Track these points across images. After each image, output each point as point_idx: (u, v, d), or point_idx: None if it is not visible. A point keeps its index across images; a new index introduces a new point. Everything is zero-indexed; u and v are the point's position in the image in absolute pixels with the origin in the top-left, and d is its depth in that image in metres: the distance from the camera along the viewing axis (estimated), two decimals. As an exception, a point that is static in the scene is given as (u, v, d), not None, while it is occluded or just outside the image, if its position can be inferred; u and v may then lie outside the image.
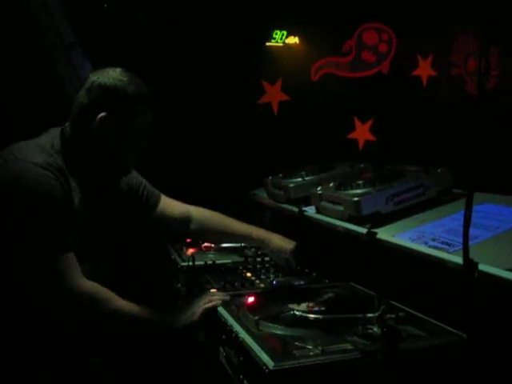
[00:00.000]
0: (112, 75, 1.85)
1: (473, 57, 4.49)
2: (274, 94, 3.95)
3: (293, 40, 3.98)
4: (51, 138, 1.90)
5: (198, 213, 2.39)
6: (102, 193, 2.00)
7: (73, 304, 1.73)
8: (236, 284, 2.22)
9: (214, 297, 1.99)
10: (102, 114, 1.82)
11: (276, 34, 3.94)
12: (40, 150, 1.82)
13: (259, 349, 1.58)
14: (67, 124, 1.91)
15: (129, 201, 2.20)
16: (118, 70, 1.87)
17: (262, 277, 2.34)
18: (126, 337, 1.85)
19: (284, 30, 3.94)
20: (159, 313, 1.90)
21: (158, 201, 2.30)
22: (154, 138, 1.97)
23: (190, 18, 3.52)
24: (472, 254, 1.57)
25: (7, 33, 3.23)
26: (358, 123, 4.18)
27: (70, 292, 1.73)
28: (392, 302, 1.87)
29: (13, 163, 1.76)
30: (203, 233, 2.42)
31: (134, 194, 2.22)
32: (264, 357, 1.52)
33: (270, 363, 1.48)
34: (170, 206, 2.35)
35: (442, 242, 1.81)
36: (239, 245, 2.73)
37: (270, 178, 3.01)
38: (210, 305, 1.94)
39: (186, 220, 2.37)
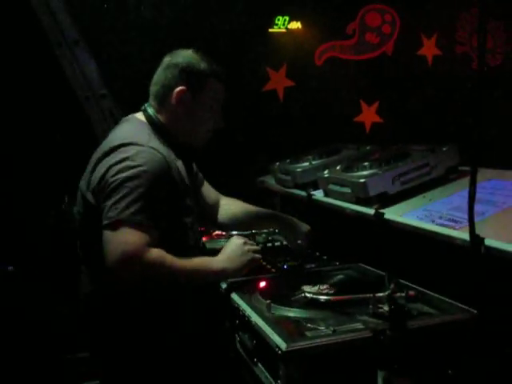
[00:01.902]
0: (185, 54, 2.02)
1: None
2: (278, 81, 3.94)
3: (295, 25, 3.96)
4: (141, 123, 2.00)
5: (225, 200, 2.42)
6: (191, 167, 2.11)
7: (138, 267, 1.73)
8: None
9: (252, 246, 2.04)
10: (179, 88, 1.97)
11: (278, 19, 3.93)
12: (144, 135, 1.91)
13: (271, 331, 1.61)
14: (146, 105, 2.04)
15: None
16: (190, 50, 2.04)
17: (273, 262, 2.36)
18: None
19: (286, 15, 3.93)
20: (216, 261, 1.94)
21: (202, 182, 2.36)
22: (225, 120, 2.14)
23: (190, 8, 3.54)
24: (479, 230, 1.59)
25: (11, 32, 3.26)
26: (364, 106, 4.17)
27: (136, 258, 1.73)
28: (402, 280, 1.89)
29: (124, 148, 1.83)
30: (230, 219, 2.41)
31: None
32: (276, 339, 1.55)
33: (283, 345, 1.51)
34: (209, 191, 2.38)
35: (449, 220, 1.82)
36: (250, 232, 2.75)
37: (278, 163, 3.02)
38: (257, 256, 2.02)
39: (216, 207, 2.39)
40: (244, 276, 2.04)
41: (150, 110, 2.01)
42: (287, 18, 3.93)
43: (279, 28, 3.94)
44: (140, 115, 2.04)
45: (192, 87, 1.98)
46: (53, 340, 2.99)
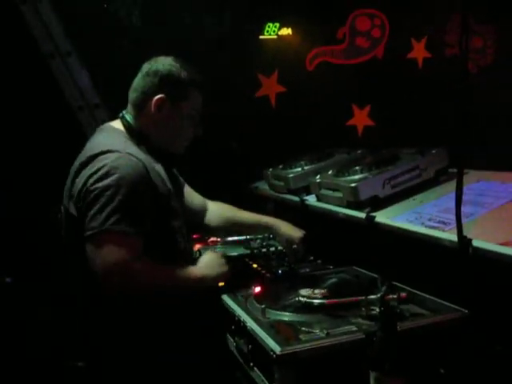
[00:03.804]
0: (166, 62, 2.01)
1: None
2: (270, 87, 3.98)
3: (286, 31, 4.00)
4: (116, 131, 2.00)
5: (212, 205, 2.46)
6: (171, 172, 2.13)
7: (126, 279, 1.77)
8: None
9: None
10: (158, 96, 1.97)
11: (269, 26, 3.97)
12: (120, 141, 1.93)
13: (266, 335, 1.63)
14: (124, 112, 2.04)
15: None
16: (170, 58, 2.04)
17: (268, 267, 2.38)
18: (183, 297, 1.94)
19: (276, 22, 3.97)
20: (197, 269, 1.99)
21: (183, 186, 2.35)
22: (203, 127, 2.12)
23: (180, 16, 3.57)
24: (467, 231, 1.62)
25: (3, 43, 3.29)
26: (356, 109, 4.20)
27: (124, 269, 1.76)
28: (394, 282, 1.92)
29: (102, 156, 1.84)
30: (218, 224, 2.46)
31: None
32: (271, 343, 1.58)
33: (277, 348, 1.54)
34: (191, 195, 2.40)
35: (438, 221, 1.86)
36: (245, 237, 2.77)
37: (271, 169, 3.05)
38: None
39: (202, 211, 2.43)
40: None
41: (128, 117, 2.02)
42: (278, 25, 3.97)
43: (270, 35, 3.98)
44: (116, 123, 2.05)
45: (171, 96, 1.99)
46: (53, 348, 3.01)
